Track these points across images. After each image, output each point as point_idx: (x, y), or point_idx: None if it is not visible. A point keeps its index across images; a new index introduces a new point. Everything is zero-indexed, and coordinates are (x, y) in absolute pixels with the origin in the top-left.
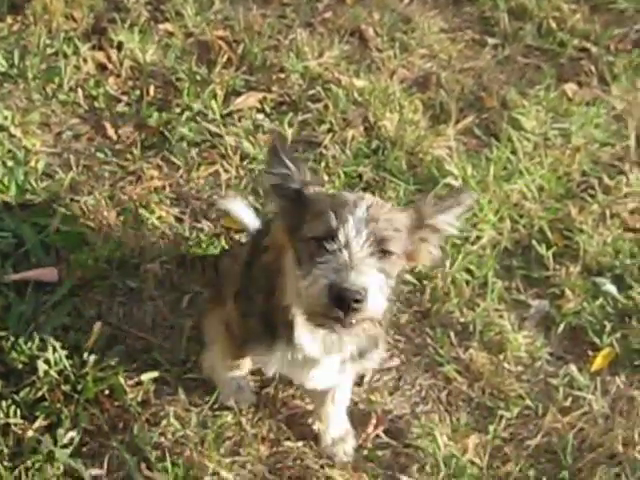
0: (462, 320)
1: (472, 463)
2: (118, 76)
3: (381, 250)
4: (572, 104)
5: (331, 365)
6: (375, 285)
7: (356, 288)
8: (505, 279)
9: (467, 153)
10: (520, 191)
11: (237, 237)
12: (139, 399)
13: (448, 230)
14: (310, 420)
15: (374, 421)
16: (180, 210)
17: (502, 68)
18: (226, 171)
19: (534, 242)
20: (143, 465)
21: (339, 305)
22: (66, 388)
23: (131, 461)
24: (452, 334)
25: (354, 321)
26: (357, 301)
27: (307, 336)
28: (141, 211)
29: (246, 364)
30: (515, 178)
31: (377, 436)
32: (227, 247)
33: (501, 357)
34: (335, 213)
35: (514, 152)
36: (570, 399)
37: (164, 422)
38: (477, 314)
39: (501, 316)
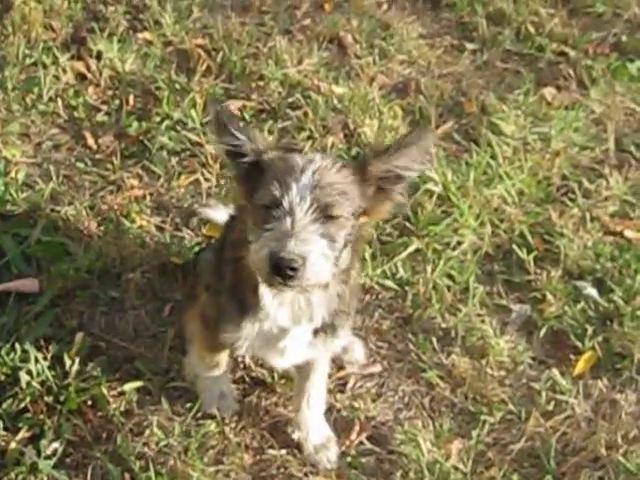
0: (444, 326)
1: (456, 469)
2: (97, 86)
3: (326, 215)
4: (551, 108)
5: (301, 336)
6: (317, 251)
7: (292, 257)
8: (486, 284)
9: (447, 158)
10: (500, 196)
11: None
12: (122, 409)
13: (406, 174)
14: (290, 429)
15: (357, 428)
16: (161, 219)
17: (481, 73)
18: (206, 179)
19: (515, 247)
20: (127, 475)
21: (277, 272)
22: (49, 399)
23: (115, 471)
24: (434, 340)
25: (296, 286)
26: (293, 269)
27: (274, 303)
28: (122, 220)
29: (224, 360)
30: (495, 183)
31: (360, 443)
32: (203, 246)
33: (483, 362)
34: (280, 181)
35: (494, 157)
36: (553, 403)
37: (147, 432)
38: (459, 319)
39: (483, 321)
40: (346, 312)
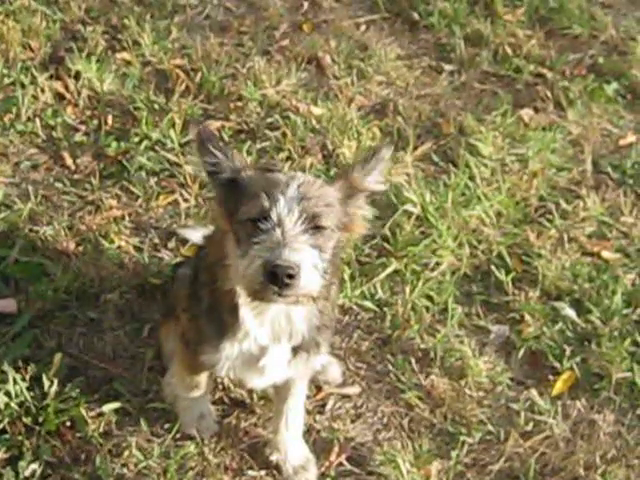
0: (423, 346)
1: None
2: (76, 105)
3: (314, 226)
4: (529, 129)
5: (281, 354)
6: (308, 261)
7: (288, 264)
8: (465, 305)
9: (425, 180)
10: (478, 217)
11: None
12: (101, 430)
13: (376, 189)
14: (268, 451)
15: (336, 449)
16: (139, 239)
17: (459, 94)
18: (185, 200)
19: (493, 267)
20: None
21: (273, 281)
22: (27, 420)
23: None
24: (413, 360)
25: (290, 296)
26: (290, 276)
27: (253, 321)
28: (100, 241)
29: (204, 381)
30: (473, 204)
31: (340, 464)
32: (179, 260)
33: (462, 383)
34: (267, 194)
35: (472, 178)
36: (531, 424)
37: (126, 453)
38: (437, 340)
39: (462, 342)
40: (327, 327)
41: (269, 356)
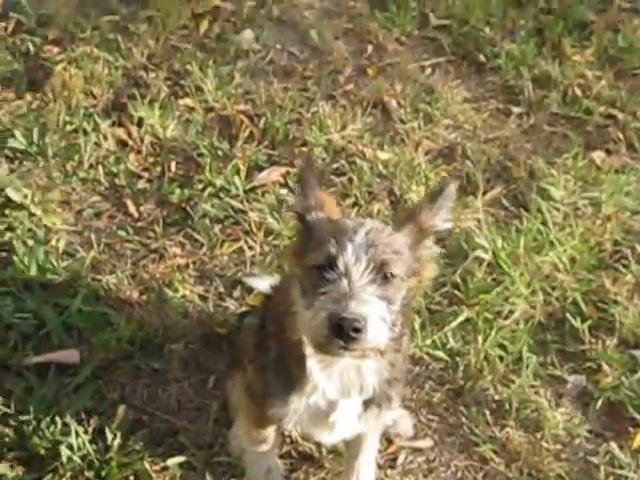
0: (497, 398)
1: None
2: (139, 152)
3: (383, 275)
4: (601, 172)
5: (351, 409)
6: (376, 313)
7: (354, 317)
8: (540, 354)
9: (496, 225)
10: (552, 263)
11: None
12: None
13: (445, 227)
14: None
15: None
16: (204, 288)
17: (528, 137)
18: (250, 247)
19: (568, 315)
20: None
21: (338, 335)
22: (90, 474)
23: None
24: (487, 412)
25: (356, 350)
26: (356, 330)
27: (321, 374)
28: (164, 290)
29: (271, 435)
30: (546, 249)
31: None
32: (244, 310)
33: (538, 435)
34: (334, 241)
35: (544, 223)
36: (612, 478)
37: None
38: (512, 391)
39: (537, 392)
40: (399, 380)
41: (339, 411)
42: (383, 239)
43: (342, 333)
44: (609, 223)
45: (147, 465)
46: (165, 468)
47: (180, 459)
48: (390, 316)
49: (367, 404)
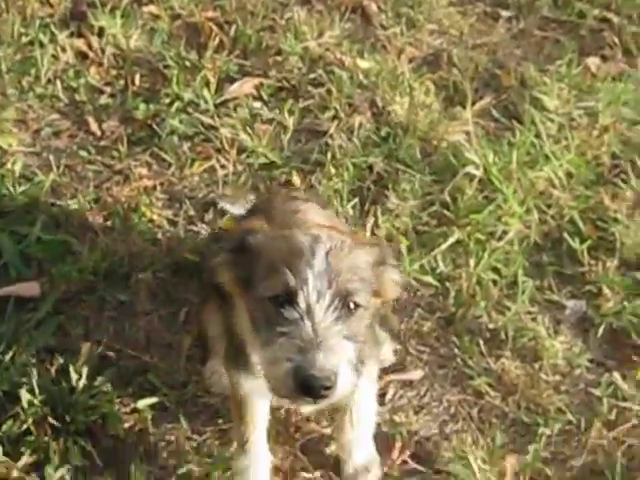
0: (491, 326)
1: None
2: (100, 65)
3: (347, 308)
4: (596, 80)
5: None
6: (345, 361)
7: (325, 374)
8: (536, 278)
9: (487, 138)
10: (547, 178)
11: None
12: (136, 429)
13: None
14: (331, 448)
15: (399, 445)
16: (173, 212)
17: (518, 43)
18: (222, 166)
19: (565, 235)
20: None
21: (307, 392)
22: (53, 419)
23: None
24: (481, 342)
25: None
26: (326, 388)
27: None
28: (130, 214)
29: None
30: (540, 164)
31: (404, 462)
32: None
33: (536, 366)
34: (291, 269)
35: (537, 135)
36: (615, 411)
37: (164, 454)
38: (507, 318)
39: (534, 319)
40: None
41: None
42: (345, 261)
43: (311, 391)
44: (606, 135)
45: (115, 407)
46: (135, 410)
47: (151, 400)
48: (355, 354)
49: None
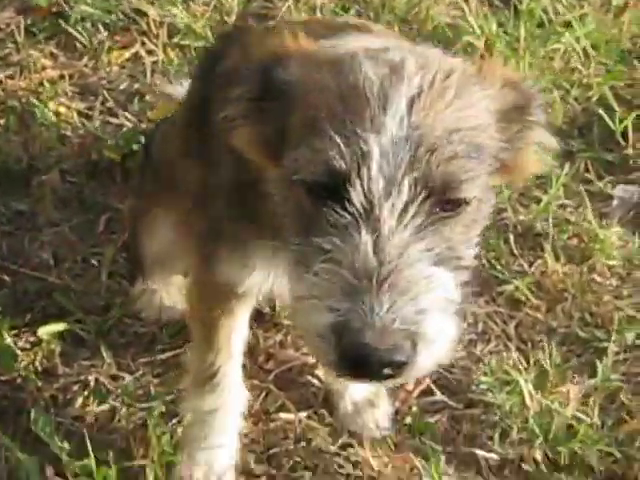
0: (521, 218)
1: (578, 420)
2: None
3: (443, 207)
4: None
5: None
6: (436, 310)
7: (391, 341)
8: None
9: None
10: (565, 51)
11: None
12: (39, 367)
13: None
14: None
15: None
16: (87, 105)
17: None
18: (150, 52)
19: (601, 111)
20: (49, 471)
21: (358, 370)
22: None
23: (30, 464)
24: (511, 238)
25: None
26: (394, 364)
27: None
28: (29, 108)
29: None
30: (556, 37)
31: (423, 393)
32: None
33: (584, 269)
34: (340, 131)
35: (545, 11)
36: None
37: (80, 399)
38: (539, 210)
39: (573, 212)
40: None
41: None
42: (447, 115)
43: (365, 370)
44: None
45: (9, 340)
46: (37, 343)
47: (57, 327)
48: (456, 285)
49: None
